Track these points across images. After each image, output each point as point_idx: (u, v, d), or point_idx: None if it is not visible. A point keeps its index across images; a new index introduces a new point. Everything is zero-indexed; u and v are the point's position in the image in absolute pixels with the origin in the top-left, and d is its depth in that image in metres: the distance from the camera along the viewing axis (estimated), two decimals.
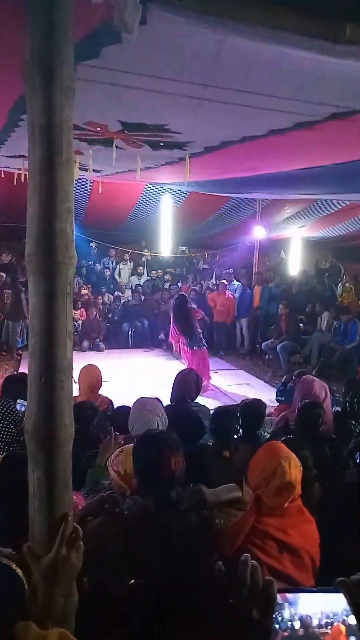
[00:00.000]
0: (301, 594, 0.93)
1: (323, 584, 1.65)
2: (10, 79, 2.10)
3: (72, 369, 1.16)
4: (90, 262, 11.66)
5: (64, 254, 1.14)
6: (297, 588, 1.19)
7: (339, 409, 4.17)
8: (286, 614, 0.92)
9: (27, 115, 1.16)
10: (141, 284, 11.52)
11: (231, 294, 10.31)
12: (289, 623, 0.92)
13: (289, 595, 0.91)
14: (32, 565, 1.05)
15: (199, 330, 7.43)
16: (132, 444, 2.02)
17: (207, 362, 7.41)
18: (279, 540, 1.86)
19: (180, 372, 4.15)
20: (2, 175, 7.02)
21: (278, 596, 0.84)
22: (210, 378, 7.43)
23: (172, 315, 7.52)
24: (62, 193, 1.14)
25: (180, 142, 3.30)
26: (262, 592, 0.79)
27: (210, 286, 11.30)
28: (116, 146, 3.32)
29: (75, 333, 9.92)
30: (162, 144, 3.33)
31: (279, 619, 0.91)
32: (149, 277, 11.82)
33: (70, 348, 1.15)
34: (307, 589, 1.19)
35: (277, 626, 0.89)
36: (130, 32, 1.22)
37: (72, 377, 1.16)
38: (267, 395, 6.33)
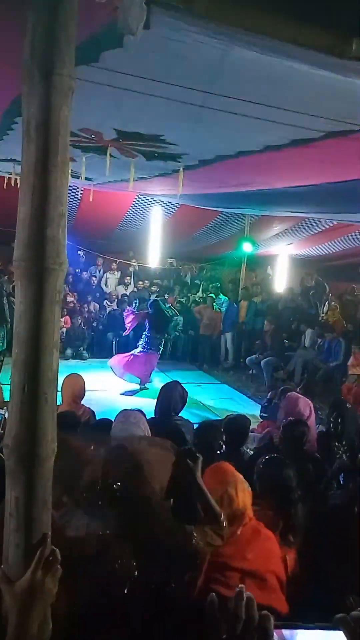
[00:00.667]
0: (298, 631, 0.87)
1: (311, 612, 1.60)
2: (6, 78, 2.05)
3: (57, 381, 1.10)
4: (77, 270, 11.56)
5: (54, 260, 1.08)
6: (295, 624, 1.13)
7: (323, 428, 4.14)
8: None
9: (23, 114, 1.11)
10: (127, 294, 11.45)
11: (218, 309, 10.32)
12: None
13: (286, 632, 0.85)
14: (3, 590, 0.98)
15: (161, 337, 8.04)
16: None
17: (152, 364, 7.87)
18: (239, 569, 1.77)
19: (165, 384, 4.09)
20: None
21: (274, 633, 0.78)
22: (149, 381, 7.81)
23: (146, 315, 8.02)
24: (55, 196, 1.09)
25: (175, 154, 3.28)
26: (258, 628, 0.73)
27: (197, 299, 11.28)
28: (110, 155, 3.28)
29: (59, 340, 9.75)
30: (156, 154, 3.30)
31: None
32: (135, 288, 11.76)
33: (56, 359, 1.09)
34: (305, 626, 1.13)
35: None
36: (134, 33, 1.19)
37: (56, 389, 1.09)
38: (250, 410, 6.30)
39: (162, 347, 8.28)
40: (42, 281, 1.06)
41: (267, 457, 2.50)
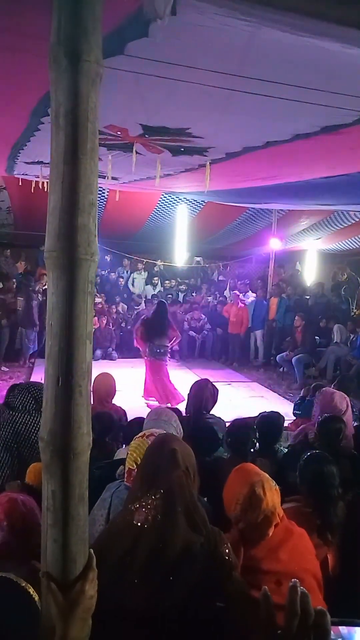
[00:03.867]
0: (357, 628, 0.81)
1: (350, 611, 1.53)
2: (34, 76, 2.06)
3: (91, 373, 1.08)
4: (104, 271, 11.66)
5: (85, 250, 1.06)
6: (353, 621, 1.07)
7: (357, 424, 4.01)
8: None
9: (52, 101, 1.09)
10: (156, 294, 11.47)
11: (243, 304, 10.21)
12: None
13: (343, 629, 0.80)
14: (48, 598, 0.97)
15: (166, 343, 6.81)
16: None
17: (163, 379, 6.78)
18: (273, 571, 1.70)
19: (196, 382, 4.05)
20: (20, 183, 7.07)
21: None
22: (182, 399, 6.37)
23: (145, 319, 6.95)
24: (85, 184, 1.07)
25: (201, 148, 3.24)
26: (314, 625, 0.68)
27: (226, 298, 11.19)
28: (136, 151, 3.27)
29: None
30: (182, 149, 3.27)
31: None
32: (162, 288, 11.76)
33: (90, 351, 1.07)
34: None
35: None
36: (162, 17, 1.16)
37: (90, 382, 1.07)
38: (282, 408, 6.18)
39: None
40: (74, 272, 1.04)
41: (309, 453, 2.43)
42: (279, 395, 8.00)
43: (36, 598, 0.92)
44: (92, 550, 1.05)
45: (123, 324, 10.61)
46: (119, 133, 3.05)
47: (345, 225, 9.29)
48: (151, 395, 6.81)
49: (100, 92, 1.14)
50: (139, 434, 2.30)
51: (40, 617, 0.83)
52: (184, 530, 1.38)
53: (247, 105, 2.24)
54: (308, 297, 10.94)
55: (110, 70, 1.92)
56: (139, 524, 1.37)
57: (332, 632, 0.74)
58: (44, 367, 1.05)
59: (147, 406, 6.44)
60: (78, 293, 1.04)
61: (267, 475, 1.84)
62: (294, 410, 5.07)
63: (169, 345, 6.85)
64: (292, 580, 0.70)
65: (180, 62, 1.72)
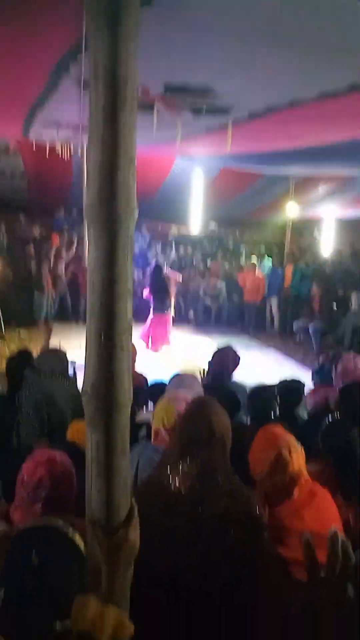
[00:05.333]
0: None
1: None
2: (55, 29, 1.99)
3: (132, 329, 1.09)
4: None
5: (126, 206, 1.05)
6: None
7: None
8: None
9: (91, 52, 1.06)
10: (170, 260, 11.41)
11: (260, 273, 10.12)
12: None
13: None
14: (94, 544, 1.01)
15: (171, 298, 8.21)
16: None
17: (166, 326, 8.10)
18: (296, 529, 1.73)
19: (218, 349, 4.07)
20: (34, 149, 6.97)
21: None
22: (168, 342, 8.06)
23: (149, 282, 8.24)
24: (124, 142, 1.05)
25: (224, 107, 3.14)
26: (355, 568, 0.71)
27: (241, 265, 11.08)
28: (157, 111, 3.18)
29: None
30: (204, 108, 3.17)
31: None
32: (176, 254, 11.68)
33: (130, 307, 1.07)
34: None
35: None
36: None
37: (131, 338, 1.08)
38: (299, 375, 6.20)
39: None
40: (115, 227, 1.04)
41: (331, 420, 2.46)
42: (296, 362, 8.02)
43: (81, 546, 0.96)
44: (134, 500, 1.08)
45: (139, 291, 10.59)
46: (139, 90, 2.96)
47: None
48: (146, 339, 7.89)
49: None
50: (164, 397, 2.33)
51: (85, 563, 0.87)
52: (223, 497, 1.41)
53: (273, 61, 2.15)
54: (325, 264, 10.79)
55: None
56: (174, 490, 1.39)
57: None
58: (86, 325, 1.06)
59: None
60: (119, 249, 1.04)
61: (293, 438, 1.87)
62: (312, 377, 5.08)
63: (166, 302, 8.09)
64: (332, 526, 0.72)
65: (208, 12, 1.65)
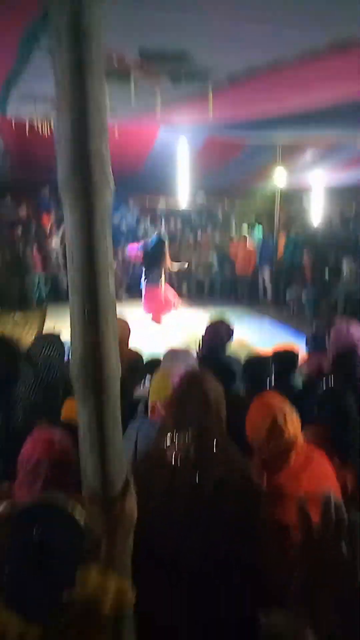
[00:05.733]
0: None
1: None
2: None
3: (115, 304, 1.07)
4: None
5: (100, 176, 1.02)
6: None
7: None
8: None
9: (53, 19, 1.01)
10: (159, 234, 11.28)
11: (251, 244, 10.07)
12: None
13: None
14: (92, 517, 1.02)
15: (162, 272, 8.05)
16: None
17: (158, 297, 7.97)
18: (295, 495, 1.75)
19: (211, 323, 4.06)
20: (14, 128, 6.79)
21: None
22: (168, 310, 8.01)
23: (145, 251, 8.13)
24: (94, 107, 1.01)
25: (202, 71, 3.04)
26: (349, 528, 0.72)
27: (232, 236, 10.99)
28: (134, 79, 3.08)
29: None
30: (183, 74, 3.07)
31: None
32: (166, 228, 11.54)
33: (112, 281, 1.06)
34: None
35: None
36: None
37: (115, 312, 1.07)
38: (294, 343, 6.24)
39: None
40: (91, 200, 1.01)
41: (325, 387, 2.48)
42: (291, 329, 8.06)
43: (82, 519, 0.97)
44: (129, 473, 1.09)
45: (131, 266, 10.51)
46: (115, 59, 2.86)
47: (352, 156, 8.92)
48: (150, 311, 7.89)
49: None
50: (159, 371, 2.33)
51: (85, 538, 0.89)
52: (220, 467, 1.43)
53: (252, 11, 2.05)
54: (316, 233, 10.73)
55: None
56: (172, 462, 1.41)
57: None
58: (69, 301, 1.04)
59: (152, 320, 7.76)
60: (96, 222, 1.02)
61: (289, 405, 1.88)
62: (306, 345, 5.10)
63: (161, 275, 8.05)
64: (325, 490, 0.73)
65: None
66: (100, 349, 1.02)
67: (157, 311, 7.90)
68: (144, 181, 10.75)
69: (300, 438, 1.85)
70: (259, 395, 2.05)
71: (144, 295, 8.01)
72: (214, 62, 2.89)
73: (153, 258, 7.96)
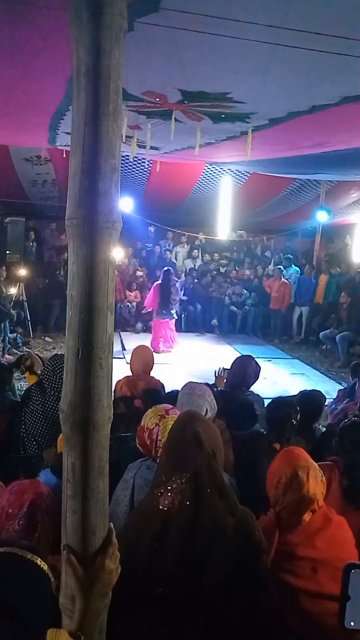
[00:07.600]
0: None
1: None
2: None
3: (113, 346, 1.04)
4: (147, 245, 11.62)
5: (107, 217, 1.01)
6: None
7: None
8: None
9: (73, 59, 1.03)
10: (195, 268, 11.34)
11: (286, 280, 9.95)
12: None
13: None
14: (68, 570, 0.97)
15: (172, 304, 8.55)
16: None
17: (169, 332, 8.52)
18: (308, 558, 1.67)
19: (239, 357, 3.97)
20: (64, 155, 7.07)
21: None
22: (171, 347, 8.44)
23: (157, 284, 8.57)
24: (107, 148, 1.01)
25: (243, 113, 3.08)
26: None
27: (270, 272, 10.90)
28: (175, 119, 3.15)
29: (129, 314, 9.98)
30: (223, 115, 3.12)
31: None
32: (203, 261, 11.61)
33: (111, 323, 1.03)
34: None
35: None
36: None
37: (112, 354, 1.04)
38: (323, 386, 6.05)
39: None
40: (95, 240, 1.00)
41: (347, 420, 2.38)
42: (321, 373, 7.82)
43: (45, 568, 0.92)
44: (112, 524, 1.04)
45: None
46: (157, 100, 2.94)
47: None
48: (156, 345, 8.22)
49: (130, 50, 1.08)
50: (158, 406, 2.21)
51: (52, 587, 0.84)
52: (215, 514, 1.35)
53: (291, 66, 2.08)
54: (357, 272, 10.50)
55: (145, 32, 1.82)
56: (165, 508, 1.34)
57: None
58: (65, 340, 1.03)
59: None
60: (99, 262, 1.01)
61: (316, 465, 1.79)
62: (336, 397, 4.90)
63: (172, 307, 8.55)
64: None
65: (219, 14, 1.59)
66: (91, 394, 0.99)
67: (158, 342, 8.27)
68: (185, 215, 10.93)
69: (321, 500, 1.75)
70: (287, 448, 1.97)
71: (154, 331, 8.48)
72: (253, 106, 2.91)
73: (162, 291, 8.38)
